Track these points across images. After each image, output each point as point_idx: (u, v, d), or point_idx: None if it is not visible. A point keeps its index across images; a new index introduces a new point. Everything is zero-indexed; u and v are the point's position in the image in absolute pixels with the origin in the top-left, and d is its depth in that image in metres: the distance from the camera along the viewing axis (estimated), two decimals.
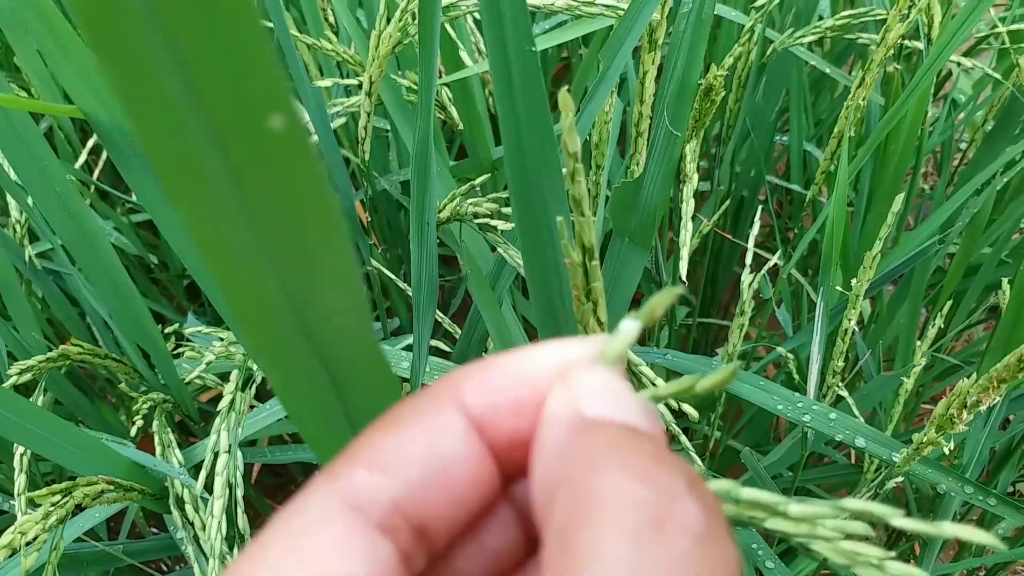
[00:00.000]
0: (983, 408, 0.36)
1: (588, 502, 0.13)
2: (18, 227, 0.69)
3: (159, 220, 0.41)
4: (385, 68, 0.51)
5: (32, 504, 0.41)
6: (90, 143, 0.76)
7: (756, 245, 0.67)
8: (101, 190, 0.85)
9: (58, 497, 0.40)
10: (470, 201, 0.43)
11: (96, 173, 0.77)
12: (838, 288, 0.54)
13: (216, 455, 0.43)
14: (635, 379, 0.43)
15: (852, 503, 0.16)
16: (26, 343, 0.67)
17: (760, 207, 1.02)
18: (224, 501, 0.42)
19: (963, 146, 1.06)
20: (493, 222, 0.42)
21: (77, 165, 0.74)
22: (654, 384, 0.43)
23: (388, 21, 0.50)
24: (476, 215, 0.42)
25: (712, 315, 1.16)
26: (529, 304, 0.77)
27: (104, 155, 0.80)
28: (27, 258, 0.70)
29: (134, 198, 0.79)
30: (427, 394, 0.16)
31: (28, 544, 0.37)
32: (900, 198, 0.49)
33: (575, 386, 0.15)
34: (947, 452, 0.42)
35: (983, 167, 0.84)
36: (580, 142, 0.25)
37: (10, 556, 0.37)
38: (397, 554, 0.15)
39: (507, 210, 0.43)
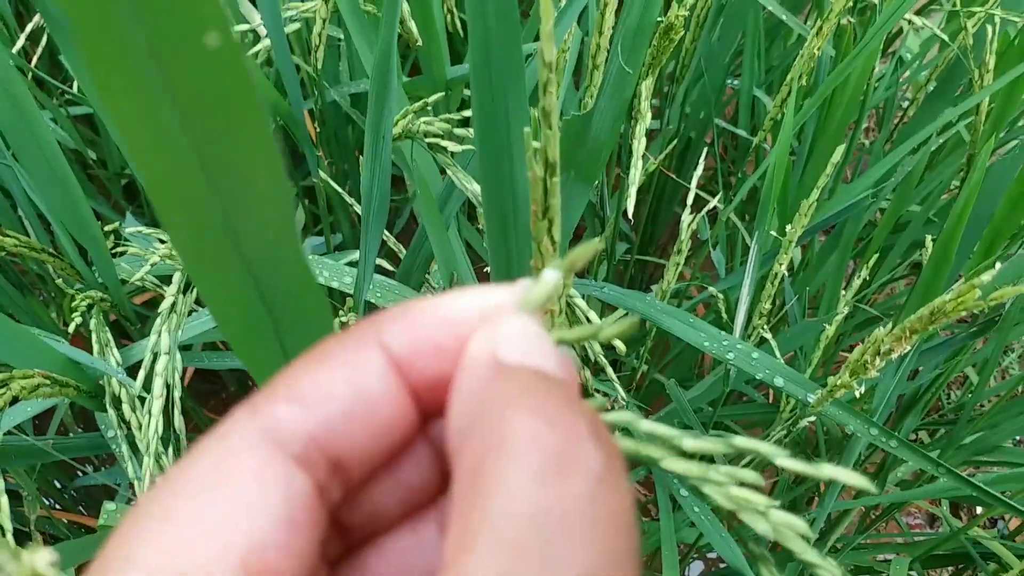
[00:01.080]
0: (894, 356, 0.39)
1: (497, 442, 0.14)
2: None
3: (104, 114, 0.40)
4: None
5: None
6: (28, 27, 0.73)
7: (698, 187, 0.69)
8: (38, 78, 0.82)
9: None
10: (423, 120, 0.43)
11: (34, 60, 0.74)
12: (772, 233, 0.56)
13: (156, 356, 0.43)
14: (570, 311, 0.44)
15: (741, 440, 0.18)
16: None
17: (706, 150, 1.04)
18: (162, 401, 0.42)
19: (905, 103, 1.08)
20: (444, 143, 0.42)
21: (14, 50, 0.71)
22: (588, 318, 0.44)
23: None
24: (428, 134, 0.43)
25: (651, 253, 1.18)
26: (474, 230, 0.77)
27: (43, 42, 0.77)
28: None
29: (74, 89, 0.76)
30: (350, 334, 0.17)
31: None
32: (840, 150, 0.50)
33: (494, 331, 0.16)
34: (858, 396, 0.45)
35: (922, 127, 0.87)
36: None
37: None
38: (313, 485, 0.15)
39: (460, 131, 0.43)
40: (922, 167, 0.68)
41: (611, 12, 0.46)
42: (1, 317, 0.46)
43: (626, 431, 0.20)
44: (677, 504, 0.78)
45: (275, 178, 0.16)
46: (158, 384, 0.42)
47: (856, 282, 0.61)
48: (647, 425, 0.19)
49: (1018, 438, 1.29)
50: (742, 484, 0.19)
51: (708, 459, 0.85)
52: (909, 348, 0.38)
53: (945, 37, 0.68)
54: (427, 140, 0.42)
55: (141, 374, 0.44)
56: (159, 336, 0.43)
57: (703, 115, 1.00)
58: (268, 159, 0.16)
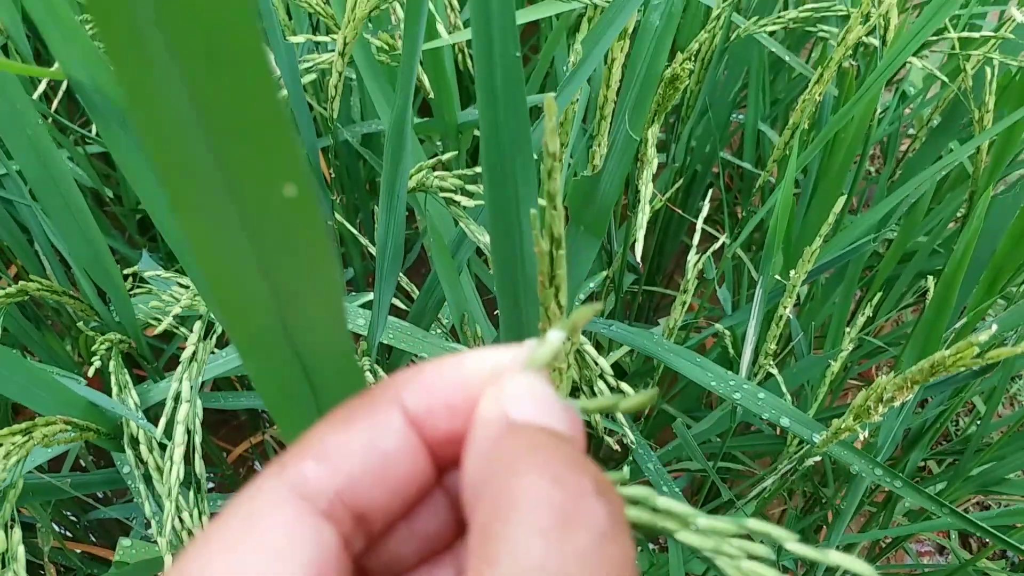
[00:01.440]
0: (896, 404, 0.40)
1: (506, 500, 0.15)
2: None
3: (121, 160, 0.41)
4: (360, 31, 0.51)
5: None
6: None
7: (704, 219, 0.70)
8: (56, 121, 0.84)
9: (19, 437, 0.41)
10: (436, 174, 0.44)
11: (55, 104, 0.76)
12: (777, 277, 0.57)
13: (177, 403, 0.44)
14: (579, 357, 0.45)
15: (753, 523, 0.19)
16: None
17: (711, 182, 1.05)
18: (183, 448, 0.43)
19: (912, 131, 1.09)
20: (457, 198, 0.44)
21: (35, 96, 0.73)
22: (596, 362, 0.45)
23: None
24: (441, 189, 0.44)
25: (657, 283, 1.19)
26: (485, 267, 0.79)
27: (64, 86, 0.79)
28: None
29: (92, 131, 0.78)
30: (370, 395, 0.18)
31: None
32: (841, 201, 0.52)
33: (503, 391, 0.17)
34: (862, 439, 0.46)
35: (926, 163, 0.88)
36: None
37: None
38: (339, 538, 0.16)
39: (471, 187, 0.45)
40: (926, 204, 0.69)
41: (618, 66, 0.47)
42: (25, 362, 0.47)
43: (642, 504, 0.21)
44: None
45: (331, 283, 0.17)
46: (179, 432, 0.43)
47: (860, 319, 0.62)
48: (663, 502, 0.20)
49: None
50: (753, 557, 0.20)
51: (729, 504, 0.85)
52: (911, 396, 0.39)
53: (944, 78, 0.69)
54: (441, 195, 0.44)
55: (162, 421, 0.45)
56: (180, 383, 0.44)
57: (708, 148, 1.02)
58: (326, 270, 0.17)
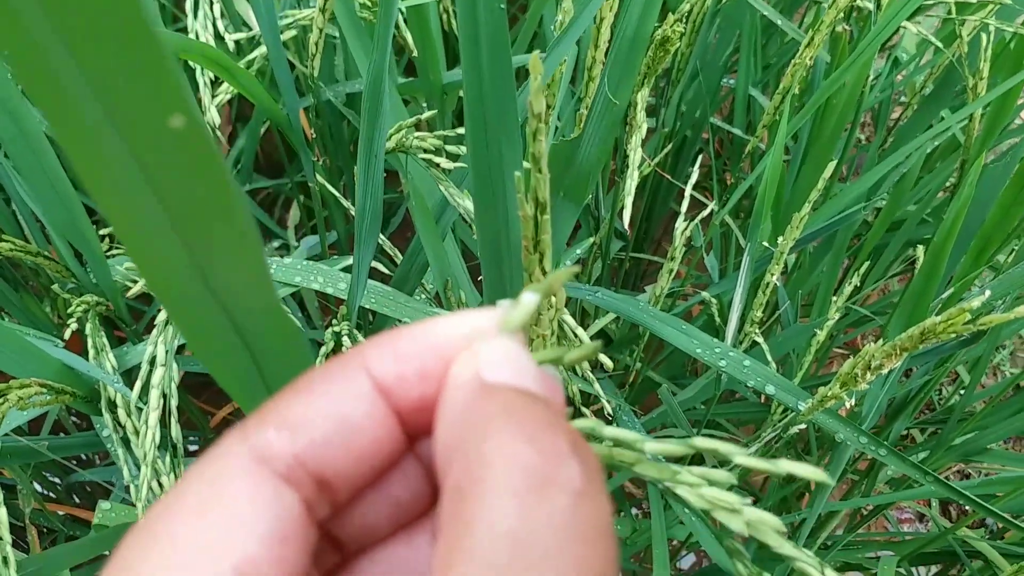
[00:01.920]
0: (884, 371, 0.39)
1: (480, 463, 0.15)
2: None
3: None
4: None
5: None
6: None
7: (693, 185, 0.69)
8: None
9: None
10: (416, 135, 0.43)
11: None
12: (765, 244, 0.56)
13: (152, 367, 0.43)
14: (559, 327, 0.44)
15: (700, 441, 0.18)
16: None
17: (701, 148, 1.04)
18: (159, 413, 0.43)
19: (903, 99, 1.08)
20: (438, 159, 0.43)
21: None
22: (575, 332, 0.44)
23: None
24: (421, 149, 0.43)
25: (645, 249, 1.19)
26: (470, 232, 0.78)
27: None
28: None
29: None
30: (336, 362, 0.18)
31: None
32: (831, 166, 0.51)
33: (477, 353, 0.17)
34: (848, 407, 0.46)
35: (918, 131, 0.88)
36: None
37: None
38: (301, 502, 0.16)
39: (452, 148, 0.43)
40: (915, 173, 0.68)
41: (607, 26, 0.46)
42: (5, 328, 0.46)
43: (592, 437, 0.21)
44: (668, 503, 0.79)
45: (251, 246, 0.17)
46: (154, 396, 0.42)
47: (847, 288, 0.62)
48: (610, 431, 0.20)
49: (1010, 440, 1.30)
50: (714, 483, 0.20)
51: (699, 459, 0.86)
52: (899, 363, 0.39)
53: (939, 44, 0.68)
54: (421, 156, 0.43)
55: (138, 385, 0.44)
56: (155, 347, 0.43)
57: (698, 114, 1.00)
58: (232, 209, 0.16)
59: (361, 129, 0.39)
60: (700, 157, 0.88)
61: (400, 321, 0.60)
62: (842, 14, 0.53)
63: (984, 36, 0.66)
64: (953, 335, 0.34)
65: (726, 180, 1.21)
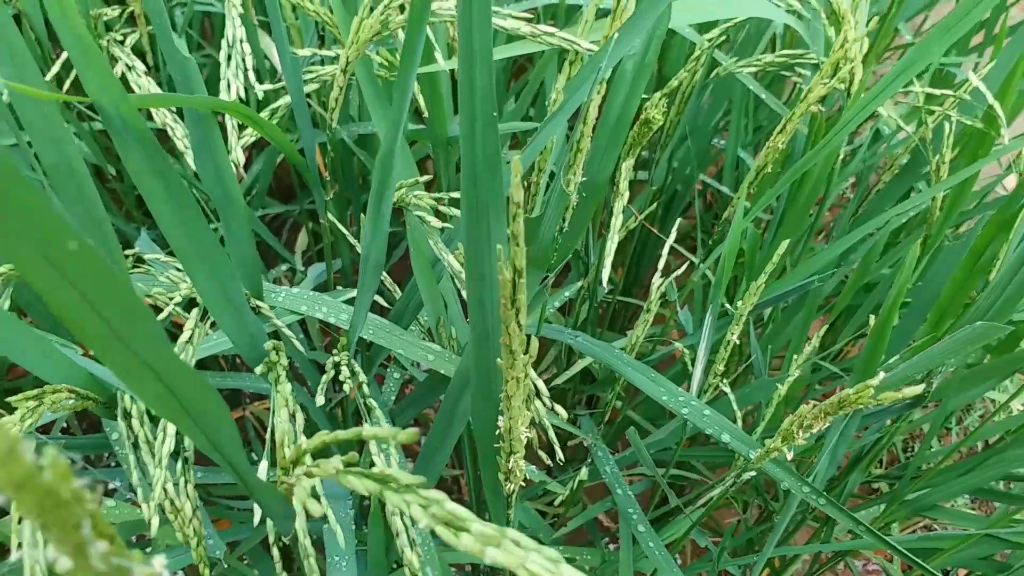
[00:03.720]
0: (815, 431, 0.45)
1: None
2: None
3: (131, 168, 0.45)
4: (362, 51, 0.56)
5: (6, 407, 0.46)
6: (63, 57, 0.78)
7: (684, 234, 0.75)
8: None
9: (32, 402, 0.45)
10: (414, 194, 0.49)
11: (66, 86, 0.80)
12: (726, 305, 0.62)
13: None
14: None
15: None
16: None
17: (690, 201, 1.10)
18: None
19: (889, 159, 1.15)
20: (428, 217, 0.48)
21: (48, 78, 0.77)
22: (535, 384, 0.50)
23: (371, 11, 0.54)
24: (417, 207, 0.49)
25: (634, 293, 1.24)
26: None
27: (73, 74, 0.82)
28: None
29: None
30: None
31: None
32: (785, 243, 0.56)
33: None
34: (789, 459, 0.51)
35: (891, 199, 0.94)
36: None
37: None
38: None
39: (446, 209, 0.49)
40: (881, 246, 0.74)
41: (594, 107, 0.52)
42: (36, 333, 0.52)
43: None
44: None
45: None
46: None
47: (807, 349, 0.67)
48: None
49: (976, 500, 1.35)
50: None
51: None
52: (828, 425, 0.44)
53: (908, 129, 0.74)
54: (416, 213, 0.48)
55: None
56: None
57: (688, 171, 1.06)
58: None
59: (372, 189, 0.45)
60: (687, 211, 0.94)
61: (395, 352, 0.65)
62: (810, 106, 0.58)
63: (947, 125, 0.72)
64: (862, 405, 0.39)
65: (712, 232, 1.26)
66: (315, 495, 0.49)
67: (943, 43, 0.55)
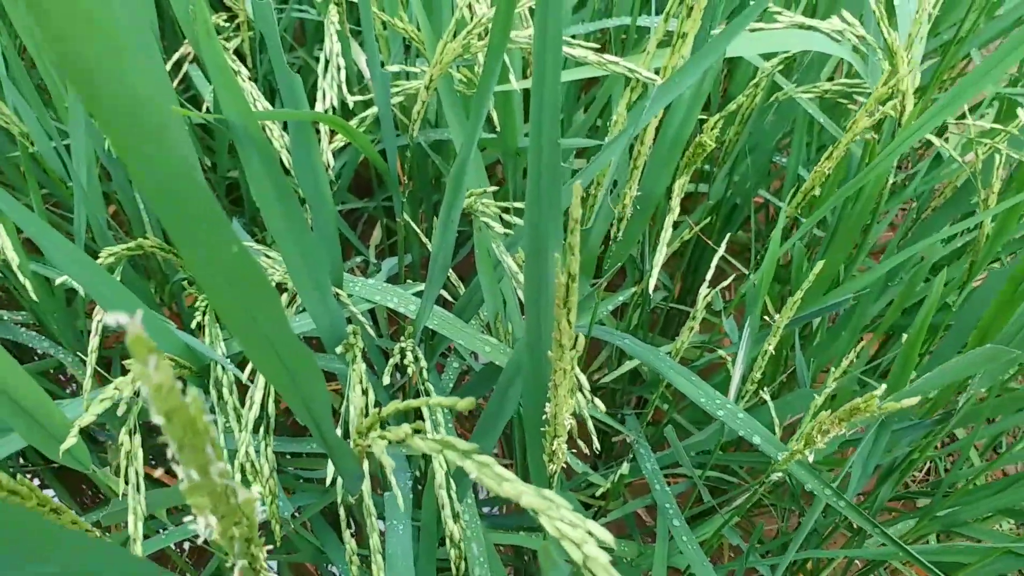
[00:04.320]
0: (831, 436, 0.49)
1: None
2: None
3: (250, 173, 0.52)
4: (445, 71, 0.62)
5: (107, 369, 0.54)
6: (175, 56, 0.87)
7: (743, 246, 0.79)
8: None
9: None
10: (482, 201, 0.54)
11: (175, 81, 0.88)
12: (765, 318, 0.66)
13: None
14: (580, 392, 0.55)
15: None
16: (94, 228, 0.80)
17: (748, 215, 1.14)
18: (263, 392, 0.55)
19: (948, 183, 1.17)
20: (492, 223, 0.54)
21: (176, 86, 0.85)
22: (577, 378, 0.55)
23: (455, 35, 0.60)
24: (483, 213, 0.54)
25: (689, 302, 1.28)
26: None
27: (184, 71, 0.91)
28: (107, 147, 0.82)
29: (200, 107, 0.90)
30: None
31: (116, 400, 0.50)
32: (820, 264, 0.61)
33: None
34: (810, 461, 0.55)
35: (941, 224, 0.96)
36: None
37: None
38: None
39: (507, 217, 0.55)
40: (925, 270, 0.77)
41: (651, 129, 0.57)
42: (149, 311, 0.59)
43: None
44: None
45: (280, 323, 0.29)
46: (261, 379, 0.55)
47: (844, 363, 0.71)
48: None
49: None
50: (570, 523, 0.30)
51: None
52: (844, 431, 0.48)
53: (957, 158, 0.77)
54: (482, 219, 0.54)
55: (248, 368, 0.56)
56: None
57: (748, 185, 1.10)
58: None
59: (444, 199, 0.51)
60: (745, 224, 0.97)
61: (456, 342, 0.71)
62: (856, 136, 0.62)
63: (997, 157, 0.75)
64: (868, 414, 0.44)
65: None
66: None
67: (981, 83, 0.58)
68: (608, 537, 0.28)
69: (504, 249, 0.55)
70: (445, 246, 0.54)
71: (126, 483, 0.50)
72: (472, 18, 0.61)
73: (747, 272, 0.89)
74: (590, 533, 0.29)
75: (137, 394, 0.51)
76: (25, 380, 0.50)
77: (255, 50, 1.02)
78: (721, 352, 0.79)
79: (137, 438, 0.52)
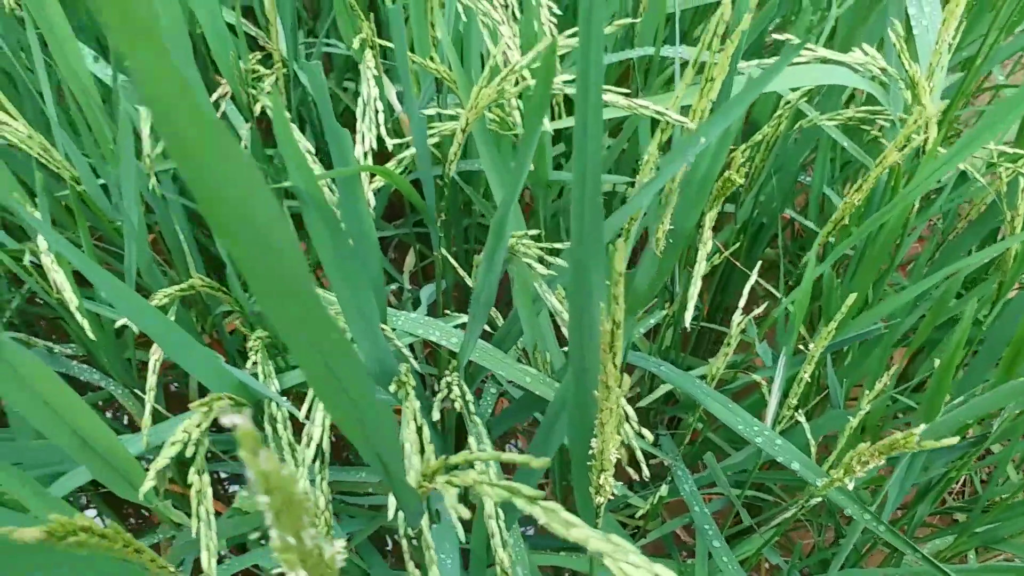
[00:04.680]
0: (870, 467, 0.51)
1: None
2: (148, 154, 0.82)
3: (311, 228, 0.55)
4: (480, 114, 0.64)
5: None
6: (215, 95, 0.90)
7: (771, 263, 0.80)
8: None
9: (205, 408, 0.55)
10: (523, 243, 0.57)
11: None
12: (800, 346, 0.68)
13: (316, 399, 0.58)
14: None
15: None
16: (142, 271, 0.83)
17: (775, 233, 1.15)
18: (321, 429, 0.57)
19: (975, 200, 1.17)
20: (535, 264, 0.57)
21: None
22: (624, 410, 0.57)
23: (489, 80, 0.63)
24: (527, 255, 0.57)
25: (718, 320, 1.30)
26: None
27: (223, 109, 0.94)
28: (151, 186, 0.85)
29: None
30: None
31: (185, 442, 0.53)
32: (852, 297, 0.62)
33: None
34: (850, 489, 0.57)
35: (968, 244, 0.97)
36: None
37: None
38: None
39: (550, 258, 0.57)
40: (953, 292, 0.78)
41: (682, 170, 0.59)
42: (204, 348, 0.62)
43: None
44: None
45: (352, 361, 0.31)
46: (319, 416, 0.57)
47: (878, 386, 0.72)
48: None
49: None
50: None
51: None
52: (882, 462, 0.50)
53: (982, 181, 0.78)
54: (524, 260, 0.56)
55: (305, 405, 0.59)
56: None
57: (775, 205, 1.12)
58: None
59: (487, 242, 0.53)
60: (772, 242, 0.99)
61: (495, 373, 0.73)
62: (885, 169, 0.64)
63: (1022, 180, 0.76)
64: (908, 449, 0.45)
65: (796, 265, 1.31)
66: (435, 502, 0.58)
67: (993, 130, 0.59)
68: None
69: (546, 287, 0.57)
70: (488, 286, 0.56)
71: (199, 520, 0.53)
72: (505, 64, 0.63)
73: (777, 294, 0.91)
74: None
75: (203, 434, 0.54)
76: (91, 418, 0.53)
77: (289, 86, 1.05)
78: (755, 377, 0.81)
79: (206, 477, 0.54)
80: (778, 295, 0.97)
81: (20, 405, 0.49)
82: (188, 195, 0.97)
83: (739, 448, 1.04)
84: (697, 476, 0.95)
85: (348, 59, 1.30)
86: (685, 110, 0.66)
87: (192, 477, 0.55)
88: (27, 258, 0.88)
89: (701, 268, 0.63)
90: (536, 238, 0.61)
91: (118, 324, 0.67)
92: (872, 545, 0.93)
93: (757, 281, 1.27)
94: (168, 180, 0.96)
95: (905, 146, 0.63)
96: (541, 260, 0.58)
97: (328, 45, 1.18)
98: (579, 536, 0.31)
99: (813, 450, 0.76)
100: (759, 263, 0.84)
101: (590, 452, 0.50)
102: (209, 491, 0.54)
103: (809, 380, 0.65)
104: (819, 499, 0.66)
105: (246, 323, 0.79)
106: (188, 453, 0.52)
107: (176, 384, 1.26)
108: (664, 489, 0.87)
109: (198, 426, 0.53)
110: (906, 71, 0.65)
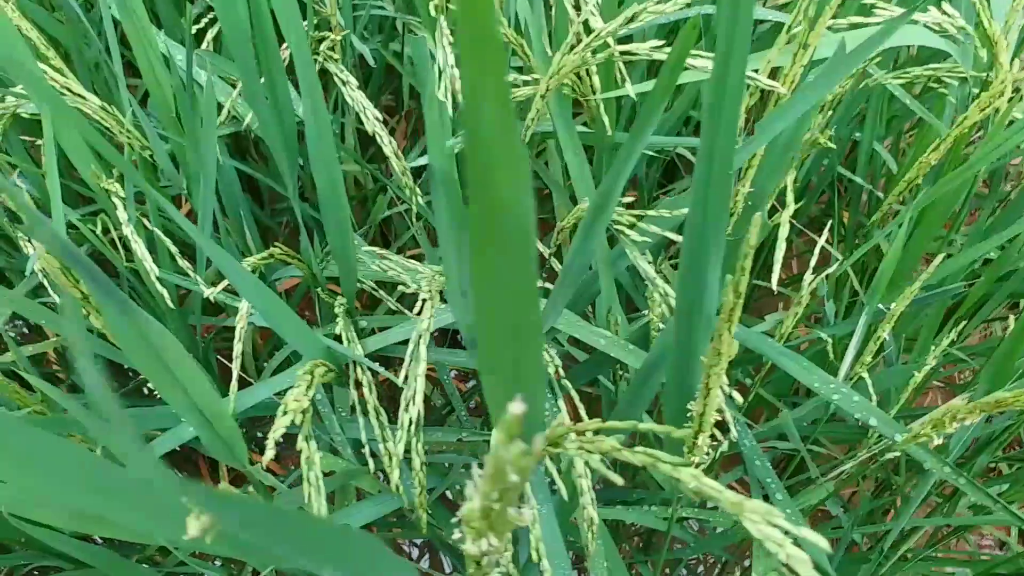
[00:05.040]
0: (967, 423, 0.52)
1: None
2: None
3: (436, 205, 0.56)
4: (561, 82, 0.65)
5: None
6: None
7: (812, 218, 0.81)
8: None
9: (309, 375, 0.57)
10: (627, 212, 0.58)
11: None
12: (880, 306, 0.69)
13: (413, 360, 0.60)
14: None
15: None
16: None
17: (824, 190, 1.16)
18: (414, 390, 0.59)
19: None
20: (628, 232, 0.58)
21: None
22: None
23: (572, 48, 0.63)
24: (619, 224, 0.58)
25: (762, 276, 1.31)
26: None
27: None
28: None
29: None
30: None
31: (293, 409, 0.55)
32: (934, 263, 0.63)
33: None
34: (936, 443, 0.58)
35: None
36: None
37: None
38: None
39: (642, 224, 0.59)
40: (1011, 256, 0.79)
41: (758, 158, 0.60)
42: (298, 321, 0.64)
43: None
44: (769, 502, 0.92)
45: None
46: (421, 381, 0.59)
47: (944, 341, 0.74)
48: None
49: None
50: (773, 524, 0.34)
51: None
52: (979, 418, 0.51)
53: None
54: (623, 233, 0.58)
55: (403, 372, 0.61)
56: (415, 345, 0.60)
57: (826, 161, 1.12)
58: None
59: (587, 213, 0.54)
60: (820, 196, 0.99)
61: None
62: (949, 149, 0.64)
63: None
64: (1021, 406, 0.47)
65: (843, 220, 1.31)
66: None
67: None
68: (824, 543, 0.32)
69: (639, 254, 0.59)
70: (583, 255, 0.57)
71: (308, 484, 0.55)
72: (587, 34, 0.64)
73: (829, 249, 0.92)
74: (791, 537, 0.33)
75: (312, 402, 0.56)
76: (199, 377, 0.54)
77: (346, 48, 1.06)
78: (822, 334, 0.83)
79: (313, 443, 0.56)
80: (830, 249, 0.98)
81: (147, 370, 0.51)
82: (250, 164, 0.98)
83: (788, 403, 1.06)
84: (755, 432, 0.97)
85: (394, 22, 1.30)
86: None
87: (301, 444, 0.57)
88: (99, 228, 0.90)
89: (784, 231, 0.64)
90: (629, 205, 0.62)
91: (207, 293, 0.69)
92: (925, 497, 0.95)
93: (803, 233, 1.27)
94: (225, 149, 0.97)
95: (989, 104, 0.63)
96: (632, 226, 0.59)
97: (377, 6, 1.18)
98: (732, 500, 0.33)
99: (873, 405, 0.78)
100: (826, 232, 0.85)
101: (687, 414, 0.52)
102: (318, 457, 0.56)
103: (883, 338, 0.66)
104: (896, 453, 0.68)
105: (316, 291, 0.81)
106: (297, 421, 0.54)
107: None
108: (725, 445, 0.89)
109: (305, 393, 0.55)
110: (984, 28, 0.65)
